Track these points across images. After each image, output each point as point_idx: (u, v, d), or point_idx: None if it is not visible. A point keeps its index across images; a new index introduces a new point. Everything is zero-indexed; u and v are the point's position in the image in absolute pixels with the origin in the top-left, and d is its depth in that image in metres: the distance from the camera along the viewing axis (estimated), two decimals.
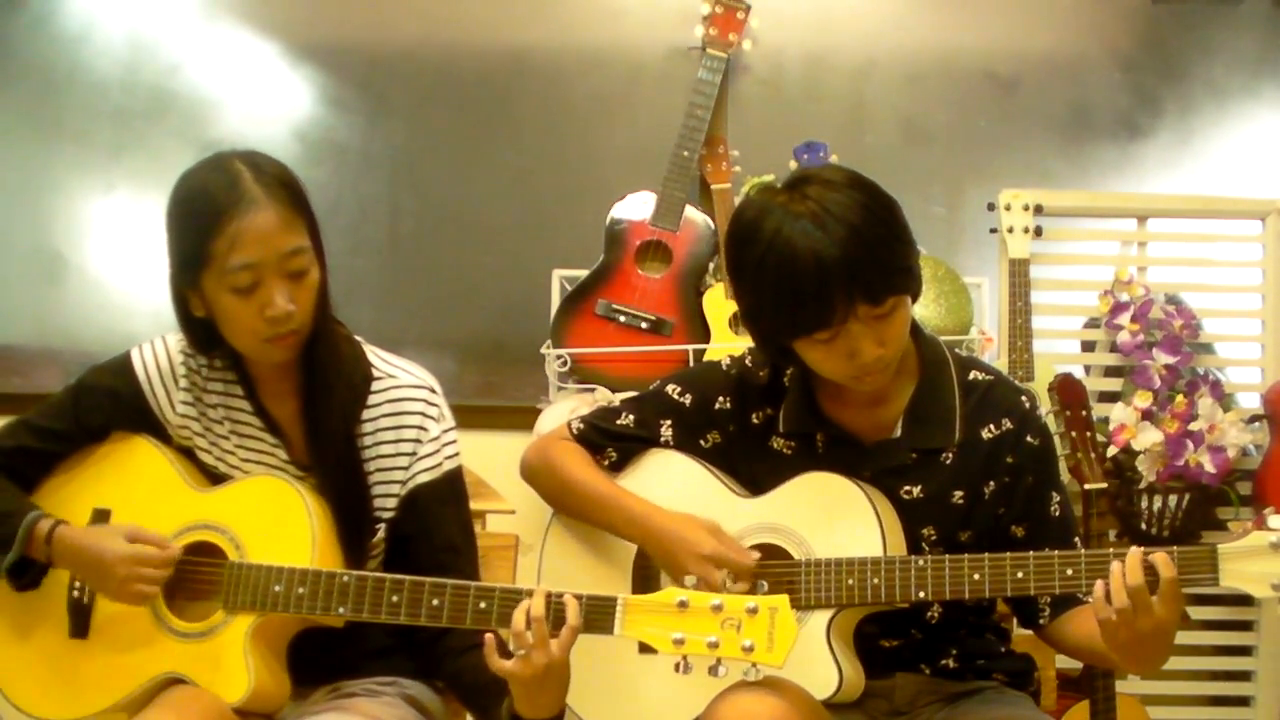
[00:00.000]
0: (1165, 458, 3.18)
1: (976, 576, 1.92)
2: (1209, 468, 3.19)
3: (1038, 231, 3.29)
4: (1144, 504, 3.23)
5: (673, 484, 2.12)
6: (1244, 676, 3.39)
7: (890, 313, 1.91)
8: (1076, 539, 2.09)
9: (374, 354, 2.12)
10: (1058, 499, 2.09)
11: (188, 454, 2.09)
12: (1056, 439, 2.39)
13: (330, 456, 2.02)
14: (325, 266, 2.00)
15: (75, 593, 2.02)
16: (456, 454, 2.11)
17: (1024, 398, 2.09)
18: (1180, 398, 3.21)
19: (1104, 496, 2.80)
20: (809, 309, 1.88)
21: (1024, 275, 3.27)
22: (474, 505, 2.19)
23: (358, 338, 2.12)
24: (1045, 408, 2.70)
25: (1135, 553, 1.81)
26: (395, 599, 1.90)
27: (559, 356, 3.27)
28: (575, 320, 3.30)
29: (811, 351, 1.95)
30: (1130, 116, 3.58)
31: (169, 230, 1.97)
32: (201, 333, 2.02)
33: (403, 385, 2.09)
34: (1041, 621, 2.09)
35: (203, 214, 1.91)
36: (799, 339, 1.94)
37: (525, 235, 3.50)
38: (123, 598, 1.95)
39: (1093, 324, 3.41)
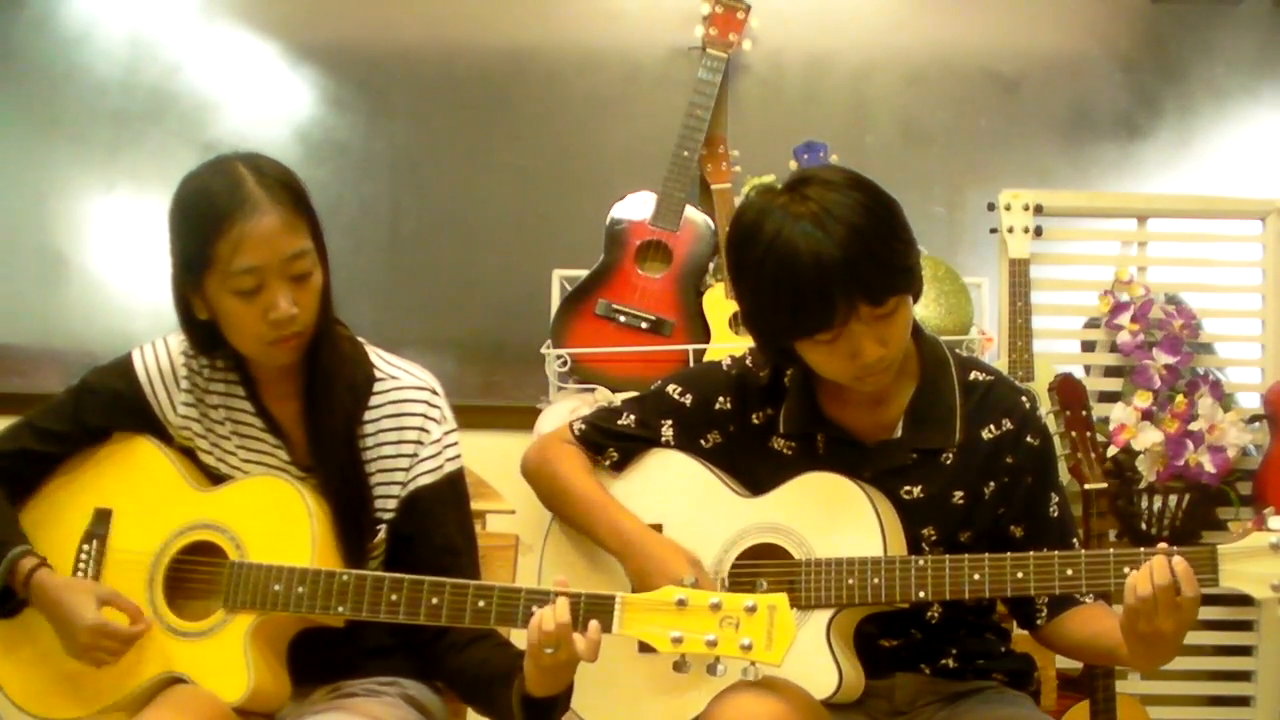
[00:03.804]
0: (1165, 458, 3.18)
1: (976, 576, 1.93)
2: (1209, 468, 3.18)
3: (1038, 231, 3.29)
4: (1144, 504, 3.23)
5: (674, 483, 2.12)
6: (1244, 676, 3.39)
7: (892, 312, 1.91)
8: (1074, 540, 2.10)
9: (376, 355, 2.11)
10: (1056, 500, 2.09)
11: (189, 454, 2.09)
12: (1056, 439, 2.39)
13: (331, 458, 2.02)
14: (328, 268, 2.00)
15: None
16: (458, 456, 2.10)
17: (1024, 398, 2.09)
18: (1180, 398, 3.21)
19: (1104, 496, 2.80)
20: (810, 310, 1.88)
21: (1024, 275, 3.27)
22: (474, 505, 2.18)
23: (360, 339, 2.12)
24: (1045, 408, 2.70)
25: (1164, 550, 1.81)
26: (394, 598, 1.90)
27: (559, 356, 3.27)
28: (575, 320, 3.30)
29: (813, 352, 1.95)
30: (1130, 116, 3.58)
31: (171, 233, 1.97)
32: (204, 335, 2.01)
33: (404, 387, 2.08)
34: (1039, 622, 2.09)
35: (205, 217, 1.90)
36: (800, 340, 1.94)
37: (525, 235, 3.50)
38: (82, 660, 1.95)
39: (1093, 324, 3.41)
